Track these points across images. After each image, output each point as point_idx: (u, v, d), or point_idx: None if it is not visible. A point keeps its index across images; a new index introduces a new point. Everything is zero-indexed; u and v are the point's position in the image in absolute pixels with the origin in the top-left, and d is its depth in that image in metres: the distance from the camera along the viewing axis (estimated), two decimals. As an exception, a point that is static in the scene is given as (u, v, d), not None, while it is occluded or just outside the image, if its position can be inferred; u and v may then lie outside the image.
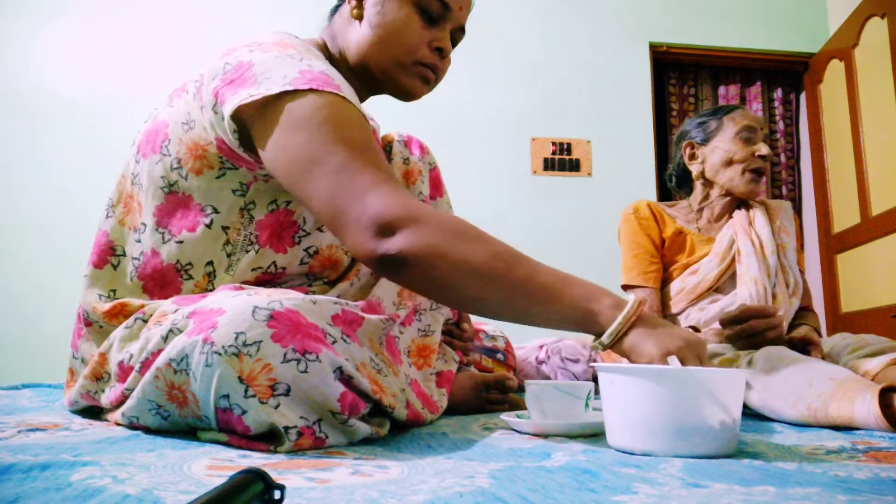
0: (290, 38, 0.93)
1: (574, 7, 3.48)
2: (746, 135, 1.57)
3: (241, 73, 0.84)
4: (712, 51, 3.57)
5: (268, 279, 0.95)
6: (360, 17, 0.99)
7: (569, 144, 3.37)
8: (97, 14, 3.15)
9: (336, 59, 1.04)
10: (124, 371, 0.83)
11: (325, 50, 1.04)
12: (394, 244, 0.75)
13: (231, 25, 3.05)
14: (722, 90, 3.70)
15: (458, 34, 1.05)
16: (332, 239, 0.98)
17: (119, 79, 3.07)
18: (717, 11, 3.58)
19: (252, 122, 0.83)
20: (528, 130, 3.36)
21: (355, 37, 1.00)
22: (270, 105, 0.81)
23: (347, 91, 0.85)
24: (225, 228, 0.92)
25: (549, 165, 3.34)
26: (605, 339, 0.76)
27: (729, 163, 1.57)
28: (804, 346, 1.25)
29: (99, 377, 0.89)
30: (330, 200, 0.78)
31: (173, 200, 0.93)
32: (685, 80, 3.72)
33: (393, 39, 0.97)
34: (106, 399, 0.87)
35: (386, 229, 0.75)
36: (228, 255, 0.92)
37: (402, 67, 0.99)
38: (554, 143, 3.36)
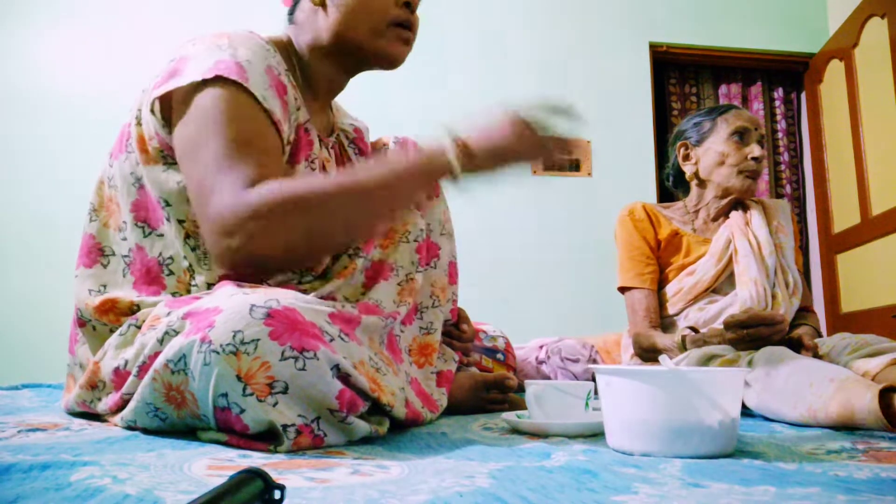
0: (235, 30, 0.95)
1: (574, 7, 3.48)
2: (740, 136, 1.56)
3: (177, 66, 0.89)
4: (712, 51, 3.57)
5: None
6: (322, 4, 1.00)
7: (569, 144, 3.36)
8: (100, 12, 3.15)
9: (303, 55, 1.04)
10: (120, 377, 0.83)
11: (288, 46, 1.04)
12: (238, 247, 0.79)
13: (233, 23, 3.04)
14: (723, 89, 3.70)
15: None
16: None
17: (122, 77, 3.06)
18: (717, 11, 3.58)
19: (172, 113, 0.88)
20: (528, 130, 3.35)
21: (325, 23, 1.00)
22: (183, 96, 0.87)
23: (257, 83, 0.87)
24: (181, 222, 0.92)
25: (549, 165, 3.34)
26: (456, 172, 0.83)
27: (721, 164, 1.57)
28: (798, 349, 1.25)
29: (94, 386, 0.89)
30: (195, 193, 0.84)
31: (143, 195, 0.94)
32: (686, 79, 3.72)
33: (361, 9, 0.98)
34: (103, 406, 0.87)
35: (230, 232, 0.80)
36: (193, 249, 0.92)
37: (379, 34, 1.00)
38: (554, 143, 3.36)
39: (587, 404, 0.92)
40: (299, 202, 0.80)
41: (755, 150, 1.55)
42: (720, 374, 0.71)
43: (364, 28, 0.99)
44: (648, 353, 1.49)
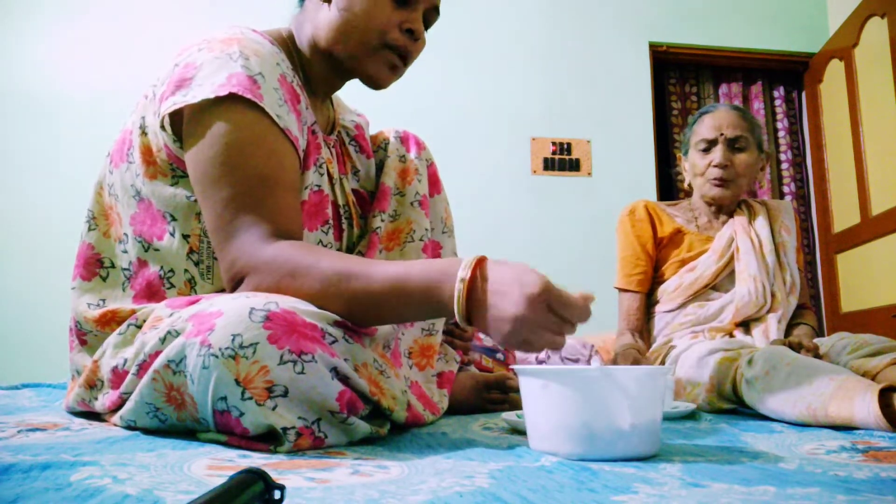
0: (244, 32, 0.92)
1: (574, 7, 3.48)
2: (703, 146, 1.60)
3: (185, 75, 0.86)
4: (712, 51, 3.57)
5: None
6: (328, 0, 0.97)
7: (569, 144, 3.37)
8: (103, 10, 3.15)
9: (303, 51, 1.02)
10: (118, 376, 0.83)
11: (290, 42, 1.02)
12: (240, 291, 0.81)
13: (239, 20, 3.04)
14: (723, 88, 3.70)
15: (431, 14, 1.01)
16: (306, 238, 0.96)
17: (125, 78, 3.06)
18: (717, 11, 3.58)
19: (184, 127, 0.86)
20: (528, 130, 3.36)
21: (324, 20, 0.97)
22: (195, 113, 0.84)
23: (271, 100, 0.85)
24: (186, 237, 0.90)
25: (549, 165, 3.34)
26: (462, 324, 0.74)
27: (695, 175, 1.63)
28: (798, 351, 1.26)
29: (92, 385, 0.89)
30: (211, 232, 0.84)
31: (143, 208, 0.92)
32: (686, 79, 3.72)
33: (361, 21, 0.94)
34: (100, 405, 0.87)
35: (235, 277, 0.82)
36: (196, 264, 0.91)
37: (370, 51, 0.96)
38: (554, 143, 3.36)
39: None
40: (298, 279, 0.78)
41: (716, 157, 1.57)
42: (631, 373, 0.67)
43: (356, 41, 0.95)
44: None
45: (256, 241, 0.81)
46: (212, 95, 0.82)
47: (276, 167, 0.85)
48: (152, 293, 0.92)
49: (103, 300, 0.94)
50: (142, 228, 0.92)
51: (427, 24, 1.02)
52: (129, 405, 0.79)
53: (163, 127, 0.87)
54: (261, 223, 0.82)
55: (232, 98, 0.82)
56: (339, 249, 1.04)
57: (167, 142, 0.88)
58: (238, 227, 0.82)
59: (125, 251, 0.94)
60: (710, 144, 1.59)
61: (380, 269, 0.78)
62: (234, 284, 0.83)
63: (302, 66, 1.02)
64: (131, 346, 0.83)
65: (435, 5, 1.01)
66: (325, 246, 0.99)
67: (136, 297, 0.93)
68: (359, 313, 0.78)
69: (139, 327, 0.85)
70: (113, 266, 0.96)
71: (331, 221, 1.00)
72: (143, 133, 0.91)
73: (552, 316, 0.69)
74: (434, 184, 1.20)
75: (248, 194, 0.82)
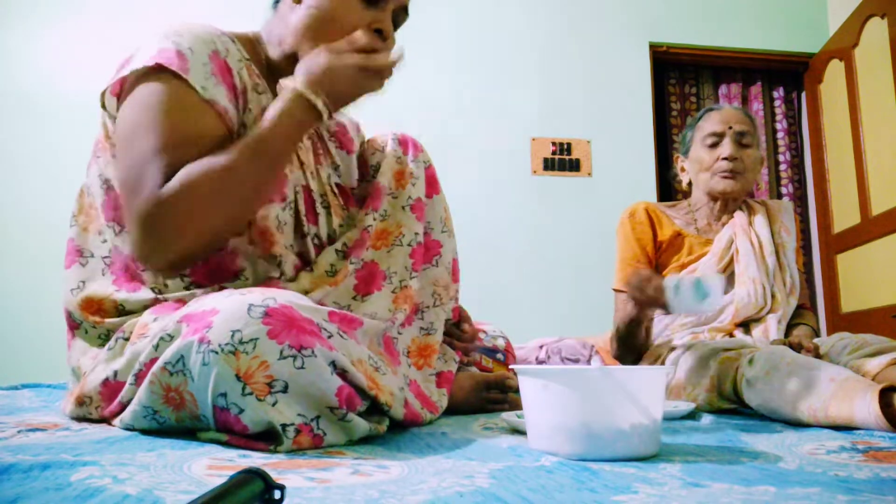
0: (194, 22, 0.95)
1: (574, 7, 3.48)
2: (712, 140, 1.60)
3: (126, 58, 0.91)
4: (712, 51, 3.57)
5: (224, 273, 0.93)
6: (299, 0, 0.97)
7: (569, 144, 3.37)
8: (105, 13, 3.15)
9: (272, 51, 1.01)
10: (109, 388, 0.83)
11: (255, 41, 1.02)
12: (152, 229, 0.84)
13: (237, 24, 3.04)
14: (723, 89, 3.70)
15: (400, 15, 1.02)
16: (264, 211, 0.94)
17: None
18: (718, 11, 3.58)
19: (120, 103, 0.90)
20: (528, 130, 3.36)
21: (294, 20, 0.97)
22: (128, 85, 0.89)
23: (197, 72, 0.87)
24: None
25: (549, 165, 3.34)
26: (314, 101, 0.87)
27: (701, 171, 1.63)
28: (798, 352, 1.26)
29: (82, 402, 0.88)
30: (121, 186, 0.87)
31: (112, 195, 0.95)
32: (686, 79, 3.72)
33: (329, 20, 0.94)
34: (97, 416, 0.87)
35: (145, 219, 0.83)
36: None
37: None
38: (554, 143, 3.36)
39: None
40: (204, 175, 0.82)
41: (725, 150, 1.58)
42: (634, 372, 0.68)
43: (324, 40, 0.93)
44: (618, 349, 1.56)
45: (161, 181, 0.83)
46: (140, 66, 0.86)
47: (194, 131, 0.86)
48: (131, 276, 0.93)
49: (83, 282, 0.95)
50: (113, 214, 0.94)
51: (396, 24, 1.02)
52: (127, 413, 0.79)
53: (103, 105, 0.92)
54: (167, 171, 0.83)
55: (160, 69, 0.86)
56: (317, 234, 1.03)
57: (107, 120, 0.93)
58: (147, 175, 0.83)
59: (105, 241, 0.96)
60: (718, 138, 1.59)
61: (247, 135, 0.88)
62: (145, 227, 0.83)
63: (269, 65, 1.02)
64: (121, 357, 0.83)
65: (404, 5, 1.01)
66: (285, 224, 0.97)
67: (116, 280, 0.94)
68: (260, 167, 0.85)
69: (127, 339, 0.85)
70: (92, 256, 0.97)
71: (290, 201, 0.98)
72: (104, 120, 0.95)
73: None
74: (432, 185, 1.20)
75: (159, 148, 0.84)
